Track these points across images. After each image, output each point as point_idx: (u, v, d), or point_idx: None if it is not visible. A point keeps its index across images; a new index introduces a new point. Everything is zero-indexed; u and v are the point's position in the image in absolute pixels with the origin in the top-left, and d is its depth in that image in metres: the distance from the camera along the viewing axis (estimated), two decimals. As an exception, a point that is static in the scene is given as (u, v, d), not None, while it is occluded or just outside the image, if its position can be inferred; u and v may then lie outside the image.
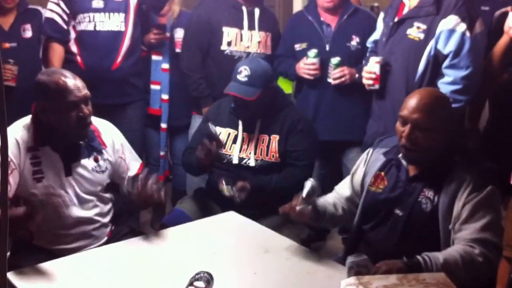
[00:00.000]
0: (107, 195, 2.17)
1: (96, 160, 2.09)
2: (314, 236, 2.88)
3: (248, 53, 2.97)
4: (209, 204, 2.54)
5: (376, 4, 3.75)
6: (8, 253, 2.06)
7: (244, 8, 2.97)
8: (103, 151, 2.12)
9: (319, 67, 2.79)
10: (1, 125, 0.85)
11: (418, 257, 1.67)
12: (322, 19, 2.88)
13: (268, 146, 2.50)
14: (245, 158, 2.50)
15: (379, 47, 2.56)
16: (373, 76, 2.44)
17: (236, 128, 2.54)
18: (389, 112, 2.40)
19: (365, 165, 2.05)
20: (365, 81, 2.50)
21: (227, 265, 1.80)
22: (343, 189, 2.13)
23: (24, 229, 1.78)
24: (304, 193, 1.87)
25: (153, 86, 3.19)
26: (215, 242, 1.97)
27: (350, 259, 1.65)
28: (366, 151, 2.11)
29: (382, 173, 1.97)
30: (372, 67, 2.44)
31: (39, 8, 3.04)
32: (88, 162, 2.08)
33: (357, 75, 2.72)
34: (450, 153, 1.85)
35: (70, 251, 1.97)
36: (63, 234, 2.03)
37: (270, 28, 3.06)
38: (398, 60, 2.42)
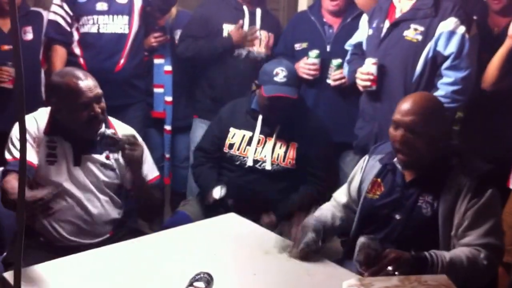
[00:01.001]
0: (117, 198, 2.17)
1: (107, 158, 2.12)
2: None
3: (249, 52, 2.97)
4: (213, 206, 2.52)
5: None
6: (5, 253, 2.09)
7: (245, 8, 2.98)
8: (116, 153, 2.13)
9: (320, 67, 2.79)
10: (20, 112, 0.95)
11: (426, 253, 1.68)
12: (324, 20, 2.88)
13: (285, 152, 2.49)
14: (259, 161, 2.49)
15: (370, 49, 2.54)
16: (371, 77, 2.42)
17: (252, 130, 2.53)
18: (385, 113, 2.37)
19: (361, 172, 2.06)
20: (360, 82, 2.48)
21: (227, 266, 1.80)
22: (340, 196, 2.14)
23: (44, 212, 1.79)
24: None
25: (156, 89, 3.18)
26: (215, 243, 1.97)
27: (361, 239, 1.65)
28: (363, 158, 2.11)
29: (379, 180, 1.97)
30: (368, 68, 2.42)
31: (41, 10, 3.03)
32: (99, 158, 2.11)
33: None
34: (446, 156, 1.84)
35: (69, 248, 1.97)
36: (62, 226, 2.06)
37: (273, 29, 3.06)
38: (395, 61, 2.42)
